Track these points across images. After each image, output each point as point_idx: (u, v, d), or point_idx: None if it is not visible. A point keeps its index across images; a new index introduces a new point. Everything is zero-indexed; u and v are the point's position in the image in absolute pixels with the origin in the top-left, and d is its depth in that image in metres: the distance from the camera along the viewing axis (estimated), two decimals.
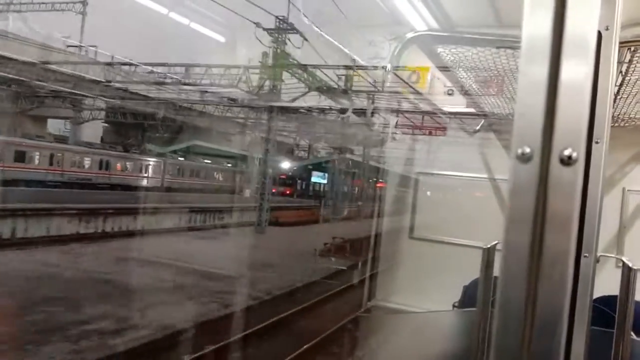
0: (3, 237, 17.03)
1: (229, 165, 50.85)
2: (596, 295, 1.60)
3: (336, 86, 24.93)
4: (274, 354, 9.62)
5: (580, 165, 0.78)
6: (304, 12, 20.94)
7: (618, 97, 3.35)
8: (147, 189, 37.39)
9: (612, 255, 3.58)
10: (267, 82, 26.08)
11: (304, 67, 25.01)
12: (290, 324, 11.54)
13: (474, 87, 4.17)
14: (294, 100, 26.51)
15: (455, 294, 3.67)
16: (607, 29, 1.38)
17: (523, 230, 0.79)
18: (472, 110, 4.96)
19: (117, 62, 28.85)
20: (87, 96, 31.16)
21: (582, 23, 0.79)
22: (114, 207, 23.26)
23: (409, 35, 4.19)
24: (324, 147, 53.23)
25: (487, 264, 2.10)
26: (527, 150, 0.78)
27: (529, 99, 0.80)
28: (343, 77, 24.56)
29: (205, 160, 48.37)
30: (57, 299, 10.94)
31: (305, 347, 9.46)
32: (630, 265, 1.81)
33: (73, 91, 29.55)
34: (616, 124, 4.01)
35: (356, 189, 47.24)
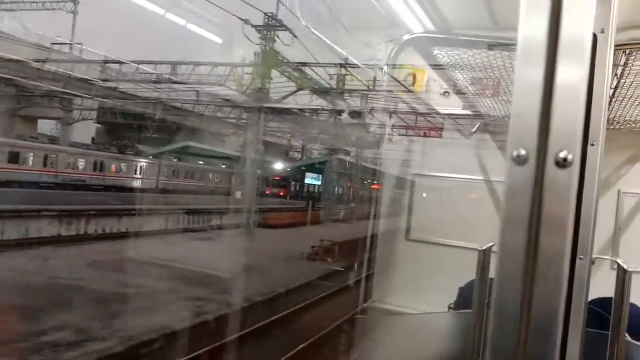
0: None
1: (224, 166, 50.53)
2: (591, 297, 1.61)
3: (328, 85, 24.48)
4: None
5: (575, 168, 0.78)
6: (296, 11, 20.20)
7: (614, 100, 3.36)
8: (133, 189, 37.00)
9: (608, 258, 3.59)
10: (257, 81, 25.49)
11: (294, 65, 24.51)
12: (263, 335, 10.89)
13: (471, 89, 4.18)
14: (283, 99, 25.96)
15: (451, 296, 3.67)
16: (602, 32, 1.39)
17: (519, 233, 0.79)
18: (468, 112, 4.97)
19: (101, 61, 28.45)
20: (77, 95, 30.81)
21: (578, 26, 0.79)
22: (96, 208, 22.78)
23: (406, 37, 4.20)
24: (319, 149, 53.11)
25: (483, 265, 2.10)
26: (523, 152, 0.78)
27: (525, 101, 0.80)
28: (335, 77, 24.11)
29: (199, 162, 48.16)
30: (13, 308, 10.03)
31: None
32: (625, 267, 1.81)
33: (54, 89, 29.13)
34: (612, 127, 4.03)
35: (352, 190, 47.10)
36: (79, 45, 30.32)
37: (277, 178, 51.19)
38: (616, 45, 1.66)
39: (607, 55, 1.44)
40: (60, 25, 31.67)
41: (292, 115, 30.02)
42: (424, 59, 4.21)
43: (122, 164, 38.60)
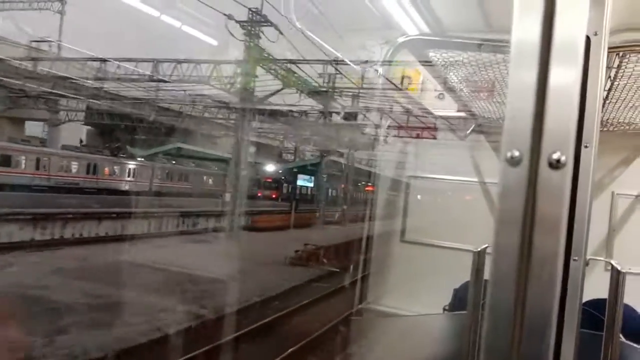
0: None
1: (216, 168, 49.96)
2: (585, 298, 1.61)
3: (316, 84, 23.85)
4: None
5: (569, 169, 0.79)
6: (280, 7, 19.21)
7: (607, 102, 3.38)
8: (123, 192, 36.44)
9: (601, 259, 3.60)
10: (240, 79, 24.60)
11: (280, 62, 23.70)
12: (232, 348, 10.15)
13: (465, 91, 4.19)
14: (267, 97, 25.00)
15: (445, 297, 3.67)
16: (595, 35, 1.39)
17: (513, 234, 0.79)
18: (462, 114, 4.98)
19: (80, 58, 27.79)
20: (62, 95, 30.17)
21: (571, 28, 0.79)
22: (73, 211, 22.17)
23: (400, 39, 4.21)
24: (311, 150, 52.76)
25: (478, 267, 2.10)
26: (517, 153, 0.79)
27: (519, 103, 0.80)
28: (326, 77, 23.46)
29: (191, 164, 47.65)
30: None
31: None
32: (619, 268, 1.82)
33: (31, 86, 28.46)
34: (605, 129, 4.05)
35: (345, 192, 46.79)
36: (57, 43, 29.82)
37: (269, 180, 50.63)
38: (609, 48, 1.67)
39: (601, 58, 1.45)
40: (47, 26, 31.35)
41: (284, 117, 29.52)
42: (419, 60, 4.22)
43: (106, 168, 37.96)
